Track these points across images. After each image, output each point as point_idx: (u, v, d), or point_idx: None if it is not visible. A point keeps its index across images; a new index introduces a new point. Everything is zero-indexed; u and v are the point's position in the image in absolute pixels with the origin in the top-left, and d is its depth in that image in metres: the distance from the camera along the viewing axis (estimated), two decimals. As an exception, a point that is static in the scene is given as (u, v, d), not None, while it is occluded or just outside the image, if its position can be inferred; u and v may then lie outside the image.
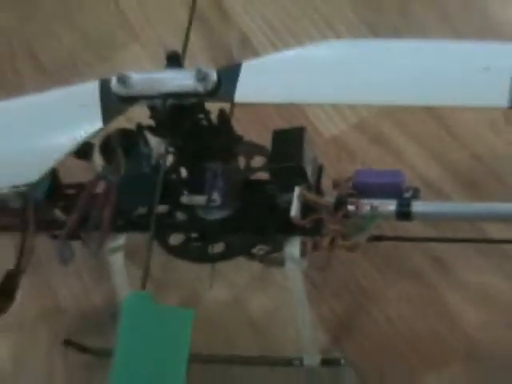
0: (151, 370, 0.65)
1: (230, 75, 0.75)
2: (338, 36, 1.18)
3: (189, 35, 0.85)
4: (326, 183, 0.86)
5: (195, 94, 0.75)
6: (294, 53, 0.76)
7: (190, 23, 0.86)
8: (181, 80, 0.75)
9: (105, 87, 0.77)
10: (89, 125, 0.76)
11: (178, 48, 0.82)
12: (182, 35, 0.85)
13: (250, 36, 1.22)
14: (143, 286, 0.69)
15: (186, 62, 0.78)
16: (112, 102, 0.76)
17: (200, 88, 0.74)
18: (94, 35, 1.29)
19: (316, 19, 1.22)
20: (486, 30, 1.15)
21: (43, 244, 0.90)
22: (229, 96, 0.74)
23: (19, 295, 0.88)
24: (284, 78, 0.75)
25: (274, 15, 1.24)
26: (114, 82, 0.76)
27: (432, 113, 1.09)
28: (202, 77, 0.74)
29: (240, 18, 1.25)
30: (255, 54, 1.17)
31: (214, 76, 0.74)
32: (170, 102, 0.77)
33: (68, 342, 1.02)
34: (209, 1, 1.23)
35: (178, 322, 0.67)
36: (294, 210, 0.80)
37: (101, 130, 0.76)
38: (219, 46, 1.21)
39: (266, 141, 0.84)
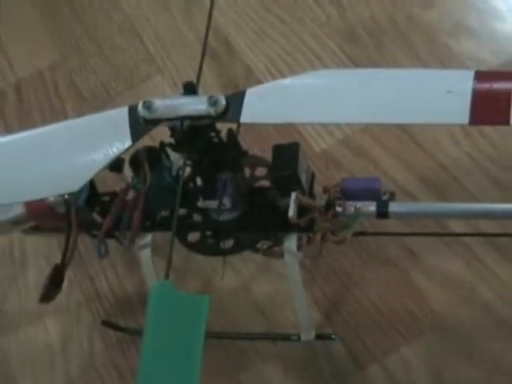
0: (173, 348, 0.65)
1: (236, 100, 0.74)
2: (326, 66, 1.17)
3: (202, 67, 0.85)
4: (317, 189, 0.85)
5: (208, 117, 0.75)
6: (289, 81, 0.74)
7: (202, 57, 0.86)
8: (195, 105, 0.75)
9: (132, 112, 0.76)
10: (120, 143, 0.75)
11: (193, 77, 0.82)
12: (196, 67, 0.84)
13: (252, 67, 1.21)
14: (167, 276, 0.68)
15: (200, 89, 0.78)
16: (139, 124, 0.76)
17: (212, 111, 0.74)
18: (123, 68, 1.29)
19: (306, 53, 1.21)
20: (447, 59, 1.14)
21: (83, 242, 0.91)
22: (236, 117, 0.74)
23: (65, 285, 0.87)
24: (281, 101, 0.74)
25: (271, 50, 1.23)
26: (140, 107, 0.75)
27: (404, 129, 1.08)
28: (213, 102, 0.74)
29: (244, 52, 1.24)
30: (257, 82, 1.16)
31: (223, 101, 0.74)
32: (186, 123, 0.76)
33: (105, 323, 1.01)
34: (217, 38, 1.22)
35: (196, 307, 0.66)
36: (291, 211, 0.79)
37: (130, 147, 0.75)
38: (227, 76, 1.19)
39: (267, 154, 0.83)
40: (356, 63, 1.18)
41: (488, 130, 1.05)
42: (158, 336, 0.65)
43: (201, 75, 0.85)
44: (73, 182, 0.76)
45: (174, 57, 1.27)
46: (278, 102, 0.74)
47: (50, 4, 1.41)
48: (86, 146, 0.78)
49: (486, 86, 0.66)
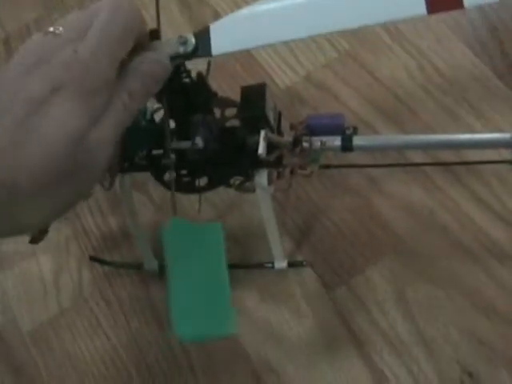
0: (200, 275, 0.60)
1: (203, 37, 0.67)
2: None
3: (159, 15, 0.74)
4: (284, 125, 0.79)
5: (179, 56, 0.67)
6: (249, 8, 0.67)
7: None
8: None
9: None
10: None
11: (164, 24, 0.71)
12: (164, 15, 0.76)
13: (220, 12, 1.12)
14: (174, 213, 0.64)
15: (172, 34, 0.68)
16: None
17: (182, 50, 0.66)
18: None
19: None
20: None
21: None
22: (207, 52, 0.67)
23: (55, 223, 0.79)
24: (246, 27, 0.67)
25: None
26: None
27: (363, 65, 1.01)
28: (183, 41, 0.66)
29: (212, -1, 1.15)
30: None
31: (192, 39, 0.66)
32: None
33: (93, 258, 0.95)
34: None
35: (212, 235, 0.62)
36: (261, 149, 0.73)
37: None
38: (196, 21, 1.10)
39: (236, 93, 0.76)
40: None
41: (440, 64, 0.98)
42: (182, 268, 0.60)
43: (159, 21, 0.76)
44: None
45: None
46: (243, 29, 0.67)
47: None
48: None
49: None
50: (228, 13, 0.68)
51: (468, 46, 0.98)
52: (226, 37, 0.67)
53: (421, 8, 0.60)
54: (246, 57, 1.04)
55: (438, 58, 0.99)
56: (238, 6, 1.10)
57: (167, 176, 0.80)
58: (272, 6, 0.67)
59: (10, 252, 0.98)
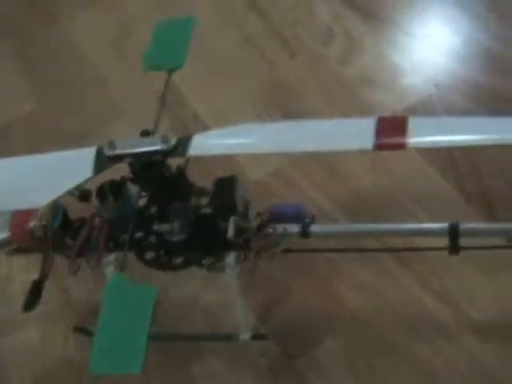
0: (124, 326, 0.68)
1: (184, 139, 0.76)
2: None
3: (159, 119, 0.86)
4: (252, 213, 0.86)
5: (160, 151, 0.76)
6: (229, 128, 0.77)
7: (160, 112, 0.87)
8: (150, 143, 0.77)
9: (99, 150, 0.78)
10: (84, 173, 0.77)
11: (151, 122, 0.84)
12: (154, 113, 0.85)
13: (200, 113, 1.22)
14: (121, 270, 0.74)
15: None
16: (103, 160, 0.77)
17: (164, 147, 0.75)
18: (94, 115, 1.29)
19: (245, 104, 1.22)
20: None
21: (59, 258, 0.89)
22: (184, 152, 0.75)
23: (44, 293, 0.87)
24: (222, 139, 0.77)
25: (215, 99, 1.24)
26: (105, 146, 0.77)
27: (324, 163, 1.10)
28: (165, 139, 0.75)
29: (193, 103, 1.24)
30: (203, 124, 1.19)
31: (173, 138, 0.75)
32: (143, 159, 0.77)
33: (77, 328, 1.00)
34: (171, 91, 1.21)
35: (144, 296, 0.69)
36: (230, 232, 0.81)
37: (90, 178, 0.77)
38: (178, 121, 1.20)
39: (210, 184, 0.85)
40: (286, 110, 1.20)
41: (391, 161, 1.08)
42: (111, 318, 0.68)
43: (158, 124, 0.85)
44: (44, 197, 0.77)
45: (135, 104, 1.27)
46: (219, 140, 0.77)
47: (27, 58, 1.41)
48: (58, 173, 0.80)
49: (386, 120, 0.70)
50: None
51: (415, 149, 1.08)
52: (204, 143, 0.76)
53: (368, 145, 0.68)
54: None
55: (390, 157, 1.08)
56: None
57: (148, 255, 0.87)
58: (254, 127, 0.79)
59: (2, 321, 1.04)
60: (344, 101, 1.18)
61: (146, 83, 1.27)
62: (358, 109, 1.15)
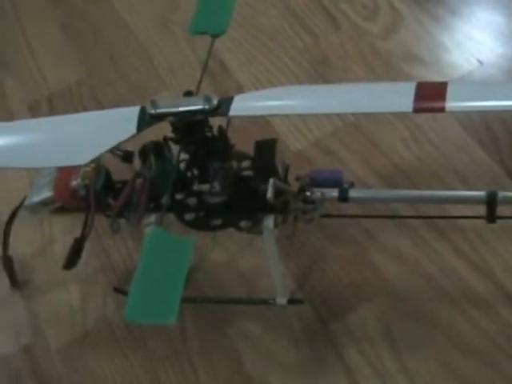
0: (162, 275, 0.68)
1: (226, 100, 0.77)
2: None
3: (201, 81, 0.87)
4: (291, 180, 0.87)
5: (202, 111, 0.76)
6: (271, 89, 0.82)
7: (202, 75, 0.87)
8: (192, 102, 0.77)
9: (142, 109, 0.78)
10: (127, 132, 0.77)
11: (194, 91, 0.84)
12: (196, 84, 0.86)
13: (242, 85, 1.23)
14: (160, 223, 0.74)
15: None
16: (145, 119, 0.77)
17: (206, 106, 0.76)
18: (138, 85, 1.30)
19: (286, 73, 1.23)
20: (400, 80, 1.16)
21: (101, 222, 0.91)
22: (226, 112, 0.76)
23: (84, 255, 0.89)
24: (265, 100, 0.77)
25: (257, 71, 1.25)
26: (148, 105, 0.77)
27: (365, 134, 1.11)
28: (207, 99, 0.76)
29: (235, 72, 1.26)
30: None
31: (215, 99, 0.76)
32: (185, 117, 0.78)
33: (116, 289, 1.02)
34: (215, 60, 1.24)
35: (182, 248, 0.69)
36: (269, 193, 0.81)
37: (134, 136, 0.77)
38: (221, 91, 1.20)
39: (251, 152, 0.86)
40: (326, 81, 1.20)
41: (432, 134, 1.08)
42: (148, 269, 0.68)
43: (200, 87, 0.86)
44: (85, 155, 0.77)
45: (178, 75, 1.29)
46: (261, 101, 0.77)
47: (75, 29, 1.43)
48: (100, 131, 0.80)
49: (426, 85, 0.70)
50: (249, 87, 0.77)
51: (457, 121, 1.09)
52: (246, 104, 0.77)
53: (408, 107, 0.68)
54: (262, 123, 1.13)
55: (431, 129, 1.09)
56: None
57: (187, 216, 0.89)
58: (296, 89, 0.81)
59: (41, 281, 1.06)
60: (385, 75, 1.18)
61: (191, 55, 1.29)
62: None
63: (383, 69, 1.20)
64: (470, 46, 1.20)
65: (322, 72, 1.21)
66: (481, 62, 1.16)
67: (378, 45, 1.23)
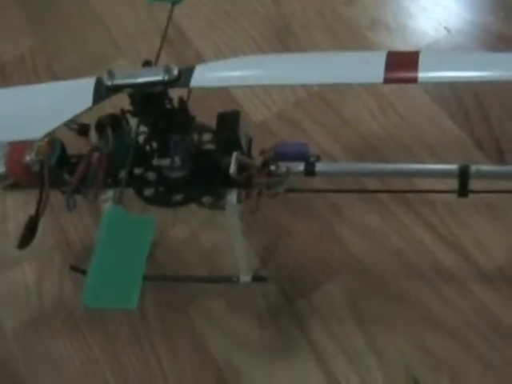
0: (121, 259, 0.65)
1: (187, 71, 0.74)
2: (264, 52, 1.18)
3: (161, 50, 0.84)
4: (254, 153, 0.85)
5: (162, 82, 0.73)
6: (233, 59, 0.76)
7: (161, 44, 0.85)
8: (152, 73, 0.74)
9: (98, 80, 0.76)
10: (83, 104, 0.74)
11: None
12: (155, 52, 0.83)
13: (202, 53, 1.20)
14: (119, 202, 0.70)
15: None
16: (102, 91, 0.75)
17: (166, 77, 0.73)
18: (94, 54, 1.26)
19: (248, 40, 1.21)
20: (364, 48, 1.15)
21: (56, 197, 0.88)
22: (186, 83, 0.73)
23: (39, 233, 0.86)
24: (226, 71, 0.75)
25: (218, 38, 1.22)
26: (104, 75, 0.74)
27: (329, 105, 1.08)
28: (167, 70, 0.73)
29: (195, 40, 1.23)
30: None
31: (175, 70, 0.73)
32: (143, 90, 0.75)
33: (73, 267, 0.99)
34: (173, 27, 1.19)
35: (141, 228, 0.66)
36: (232, 168, 0.79)
37: (89, 108, 0.74)
38: (180, 59, 1.17)
39: (213, 125, 0.84)
40: (289, 50, 1.17)
41: (399, 104, 1.06)
42: (107, 250, 0.65)
43: (159, 57, 0.83)
44: (39, 129, 0.74)
45: (136, 43, 1.25)
46: (224, 71, 0.75)
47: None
48: (55, 103, 0.77)
49: (397, 55, 0.68)
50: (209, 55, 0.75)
51: (426, 91, 1.07)
52: (207, 75, 0.74)
53: (378, 78, 0.66)
54: (223, 93, 1.10)
55: (399, 100, 1.07)
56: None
57: (147, 192, 0.86)
58: (258, 58, 0.80)
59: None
60: (350, 42, 1.16)
61: (149, 21, 1.26)
62: (364, 50, 1.13)
63: (347, 36, 1.17)
64: (437, 12, 1.18)
65: (284, 39, 1.19)
66: (448, 30, 1.14)
67: (341, 10, 1.21)
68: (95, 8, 1.34)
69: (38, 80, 1.23)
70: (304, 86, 1.09)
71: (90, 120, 0.85)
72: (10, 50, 1.30)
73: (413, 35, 1.16)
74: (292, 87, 1.09)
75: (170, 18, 0.87)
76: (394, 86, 1.06)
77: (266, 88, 1.10)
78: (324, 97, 1.09)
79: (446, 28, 1.14)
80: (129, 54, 1.24)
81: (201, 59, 1.17)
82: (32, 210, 0.85)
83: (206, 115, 0.85)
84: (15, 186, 0.95)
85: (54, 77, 1.24)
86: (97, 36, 1.30)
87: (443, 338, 0.86)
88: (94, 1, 1.35)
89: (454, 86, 1.05)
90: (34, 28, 1.33)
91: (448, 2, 1.18)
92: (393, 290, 0.90)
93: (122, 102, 0.79)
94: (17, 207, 1.07)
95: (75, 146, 0.88)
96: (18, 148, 0.88)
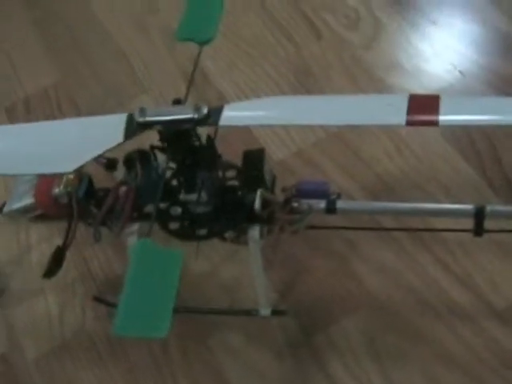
0: (149, 296, 0.67)
1: (216, 110, 0.76)
2: (284, 94, 1.21)
3: (189, 88, 0.87)
4: (276, 191, 0.88)
5: (191, 120, 0.76)
6: (258, 99, 0.80)
7: (190, 83, 0.88)
8: (182, 111, 0.77)
9: (130, 116, 0.78)
10: (114, 139, 0.76)
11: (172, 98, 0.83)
12: (176, 90, 0.86)
13: (224, 93, 1.24)
14: (148, 236, 0.71)
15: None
16: (132, 126, 0.77)
17: (196, 116, 0.75)
18: (116, 89, 1.29)
19: (268, 82, 1.24)
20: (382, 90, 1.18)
21: (79, 229, 0.90)
22: (215, 122, 0.75)
23: (64, 264, 0.89)
24: (253, 110, 0.77)
25: (239, 79, 1.26)
26: (136, 112, 0.76)
27: (348, 145, 1.11)
28: (197, 108, 0.75)
29: (217, 81, 1.26)
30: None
31: (205, 108, 0.75)
32: (173, 127, 0.77)
33: (96, 298, 1.02)
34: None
35: (170, 260, 0.68)
36: (257, 204, 0.82)
37: (120, 144, 0.76)
38: (203, 99, 1.19)
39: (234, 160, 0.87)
40: (309, 92, 1.20)
41: (415, 146, 1.09)
42: (137, 281, 0.67)
43: (188, 96, 0.86)
44: (70, 164, 0.76)
45: (157, 80, 1.29)
46: (252, 111, 0.77)
47: (51, 31, 1.43)
48: (86, 138, 0.79)
49: (418, 98, 0.70)
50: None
51: (440, 133, 1.10)
52: (235, 114, 0.77)
53: (401, 121, 0.69)
54: (245, 132, 1.13)
55: (414, 141, 1.10)
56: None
57: (172, 225, 0.88)
58: (283, 99, 0.82)
59: (18, 289, 1.05)
60: (367, 84, 1.19)
61: (170, 59, 1.29)
62: (381, 92, 1.16)
63: (365, 79, 1.21)
64: (450, 55, 1.21)
65: (303, 81, 1.22)
66: (462, 74, 1.17)
67: (359, 54, 1.25)
68: (117, 43, 1.37)
69: (61, 113, 1.27)
70: (322, 126, 1.12)
71: (119, 156, 0.88)
72: (34, 84, 1.33)
73: (428, 78, 1.19)
74: (311, 127, 1.12)
75: (198, 58, 0.89)
76: (410, 127, 1.09)
77: (285, 127, 1.14)
78: (342, 137, 1.12)
79: (460, 72, 1.18)
80: (150, 90, 1.27)
81: (222, 99, 1.21)
82: (55, 242, 0.88)
83: (228, 153, 0.88)
84: (41, 217, 0.98)
85: (77, 109, 1.27)
86: (118, 71, 1.33)
87: (457, 374, 0.88)
88: (116, 36, 1.38)
89: (466, 127, 1.08)
90: (56, 62, 1.36)
91: (461, 47, 1.22)
92: (408, 327, 0.93)
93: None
94: (40, 239, 1.09)
95: (99, 179, 0.91)
96: (46, 180, 0.91)
